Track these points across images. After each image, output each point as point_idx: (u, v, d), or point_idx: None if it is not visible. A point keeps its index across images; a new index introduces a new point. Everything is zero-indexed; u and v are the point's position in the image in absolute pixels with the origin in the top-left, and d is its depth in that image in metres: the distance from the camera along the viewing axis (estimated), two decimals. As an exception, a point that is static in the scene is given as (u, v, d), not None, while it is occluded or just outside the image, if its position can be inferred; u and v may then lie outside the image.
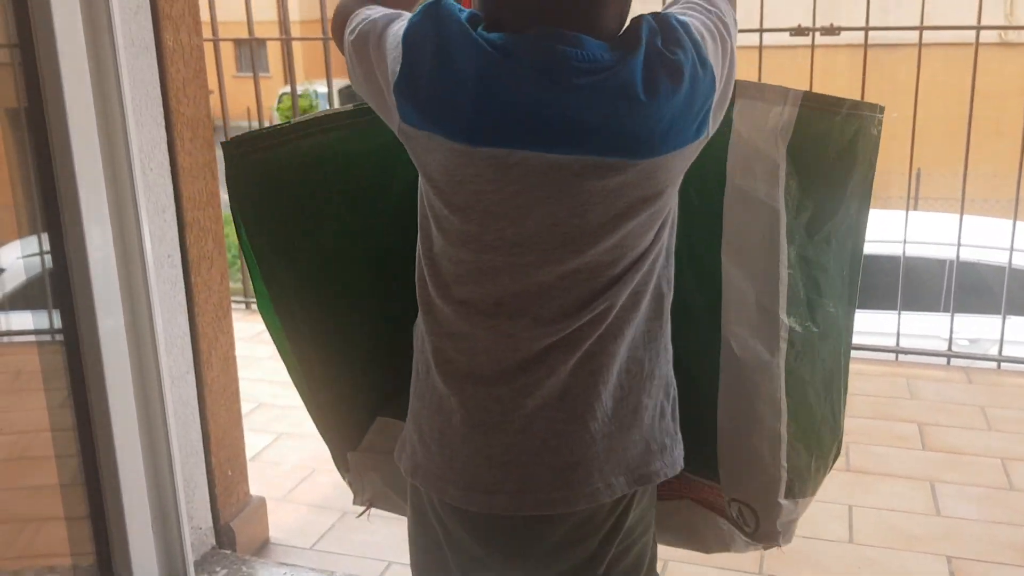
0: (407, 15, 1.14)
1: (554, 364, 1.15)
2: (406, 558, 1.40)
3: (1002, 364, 3.91)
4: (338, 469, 1.64)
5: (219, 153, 1.49)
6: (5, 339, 2.26)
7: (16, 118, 2.09)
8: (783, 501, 1.41)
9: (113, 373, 2.09)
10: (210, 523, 2.46)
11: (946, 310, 4.33)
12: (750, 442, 1.39)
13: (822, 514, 2.64)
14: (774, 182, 1.31)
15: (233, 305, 2.92)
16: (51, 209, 2.00)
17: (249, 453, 2.69)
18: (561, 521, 1.20)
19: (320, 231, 1.45)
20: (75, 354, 2.07)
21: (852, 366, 1.43)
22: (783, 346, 1.34)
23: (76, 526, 2.22)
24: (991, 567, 2.52)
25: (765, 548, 1.49)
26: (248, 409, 3.40)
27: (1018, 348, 4.02)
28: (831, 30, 3.73)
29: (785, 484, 1.40)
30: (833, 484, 1.46)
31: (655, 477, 1.22)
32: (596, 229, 1.11)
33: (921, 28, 3.70)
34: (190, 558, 2.30)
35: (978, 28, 3.65)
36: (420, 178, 1.18)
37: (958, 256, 3.98)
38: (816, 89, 1.40)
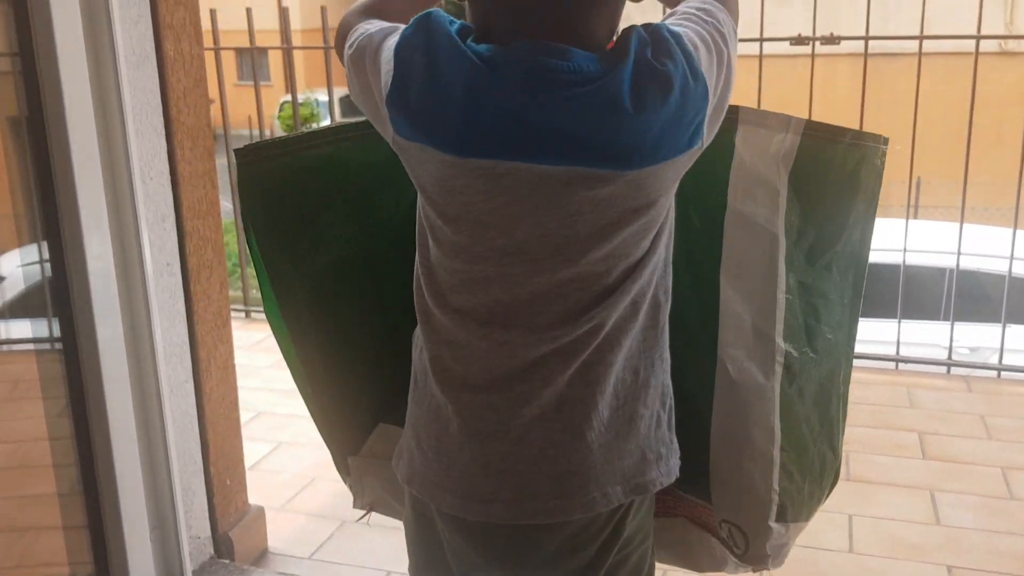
0: (403, 28, 1.14)
1: (550, 374, 1.15)
2: (405, 567, 1.40)
3: (1002, 373, 3.90)
4: (339, 473, 1.64)
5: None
6: (4, 348, 2.25)
7: (17, 127, 2.10)
8: (773, 524, 1.40)
9: (112, 382, 2.09)
10: (208, 532, 2.45)
11: (946, 319, 4.33)
12: (741, 464, 1.39)
13: (822, 524, 2.62)
14: (775, 208, 1.31)
15: (232, 314, 2.92)
16: (51, 218, 2.00)
17: (248, 462, 2.69)
18: (558, 530, 1.19)
19: (328, 239, 1.46)
20: (74, 363, 2.07)
21: (852, 375, 1.42)
22: (779, 370, 1.34)
23: (74, 535, 2.21)
24: (991, 577, 2.52)
25: (755, 571, 1.49)
26: (247, 418, 3.40)
27: (1018, 357, 4.02)
28: (831, 39, 3.74)
29: (776, 508, 1.39)
30: (833, 493, 1.46)
31: (651, 486, 1.22)
32: (586, 239, 1.10)
33: (921, 37, 3.71)
34: (188, 568, 2.29)
35: (978, 37, 3.66)
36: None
37: (958, 264, 3.98)
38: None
